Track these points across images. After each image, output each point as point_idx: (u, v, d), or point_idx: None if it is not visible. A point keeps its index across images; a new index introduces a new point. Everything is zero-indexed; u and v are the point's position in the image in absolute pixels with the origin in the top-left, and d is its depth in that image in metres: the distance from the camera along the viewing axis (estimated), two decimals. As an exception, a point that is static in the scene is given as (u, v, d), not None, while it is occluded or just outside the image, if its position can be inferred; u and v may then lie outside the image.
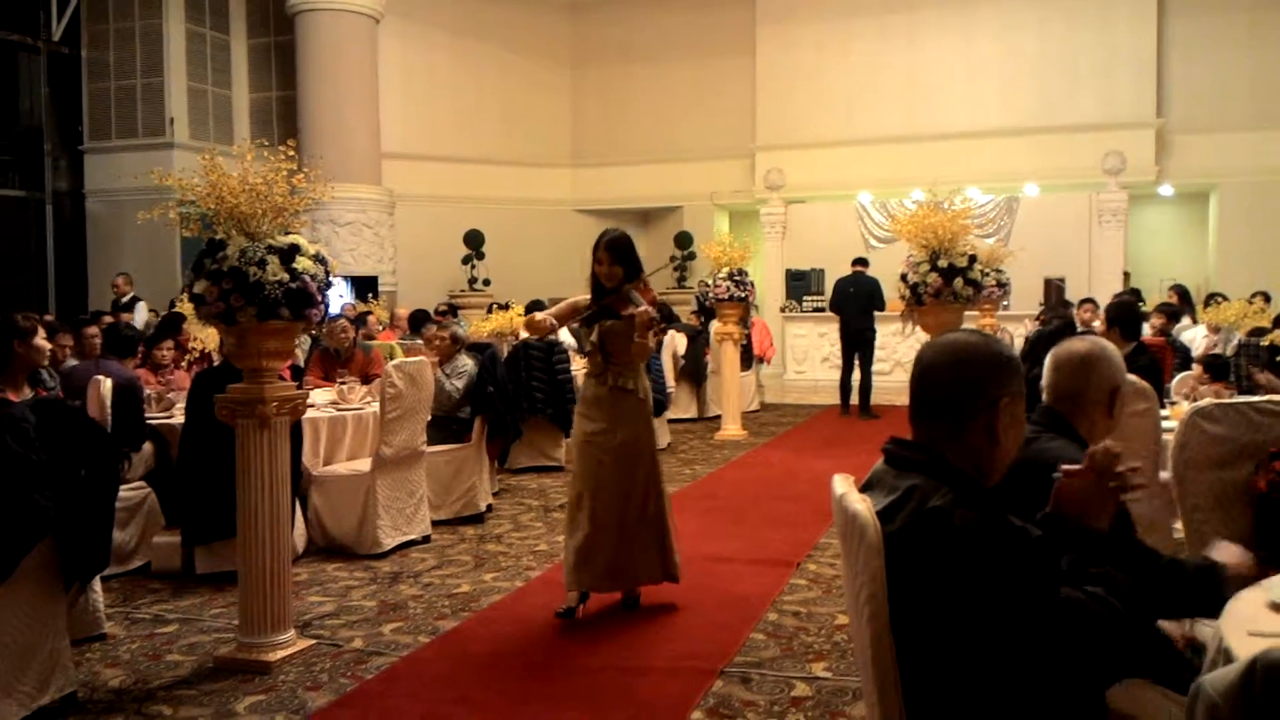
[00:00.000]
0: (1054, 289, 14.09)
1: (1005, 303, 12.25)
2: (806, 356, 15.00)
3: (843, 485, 1.76)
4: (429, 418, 6.01)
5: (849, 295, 11.01)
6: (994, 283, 10.99)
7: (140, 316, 11.28)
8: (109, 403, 4.79)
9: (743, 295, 9.39)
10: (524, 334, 7.70)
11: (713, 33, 16.36)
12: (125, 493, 5.11)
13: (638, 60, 16.91)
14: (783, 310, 15.14)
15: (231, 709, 3.56)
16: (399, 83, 15.46)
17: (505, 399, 6.60)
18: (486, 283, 15.43)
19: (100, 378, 4.91)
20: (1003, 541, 1.63)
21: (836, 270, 12.04)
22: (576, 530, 4.48)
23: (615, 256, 4.48)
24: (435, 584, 5.07)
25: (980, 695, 1.64)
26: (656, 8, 16.70)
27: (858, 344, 10.92)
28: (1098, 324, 8.28)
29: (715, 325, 10.07)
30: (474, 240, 15.58)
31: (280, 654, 3.96)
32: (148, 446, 5.44)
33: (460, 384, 6.55)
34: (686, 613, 4.56)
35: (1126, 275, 14.24)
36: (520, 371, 7.75)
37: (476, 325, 9.19)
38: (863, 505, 1.66)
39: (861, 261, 11.39)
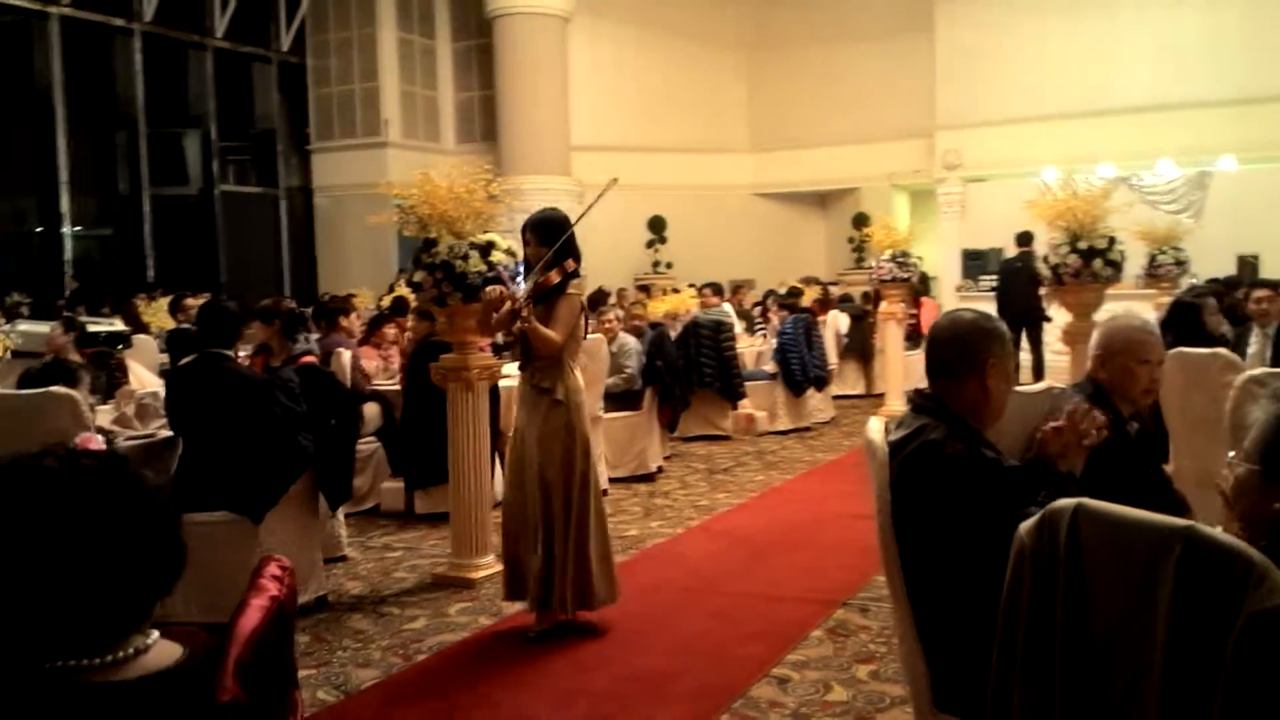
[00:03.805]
0: (1246, 267, 13.69)
1: (1193, 279, 11.98)
2: (983, 335, 15.05)
3: (874, 423, 2.41)
4: (604, 389, 6.87)
5: (1014, 273, 11.08)
6: (1171, 260, 10.97)
7: None
8: (348, 370, 5.87)
9: (905, 276, 9.80)
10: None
11: (888, 12, 16.32)
12: (359, 445, 6.17)
13: (814, 43, 17.13)
14: (958, 290, 15.28)
15: (444, 611, 4.50)
16: (587, 77, 16.27)
17: (673, 373, 7.40)
18: (669, 265, 16.25)
19: (341, 350, 6.00)
20: (979, 467, 2.25)
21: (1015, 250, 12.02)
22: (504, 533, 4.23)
23: (540, 237, 4.09)
24: (609, 528, 5.89)
25: (959, 578, 2.25)
26: (832, -11, 16.94)
27: (1023, 323, 10.91)
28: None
29: (882, 305, 10.50)
30: (657, 225, 16.45)
31: (482, 573, 4.87)
32: (375, 407, 6.51)
33: (632, 366, 7.31)
34: (825, 558, 5.23)
35: None
36: (690, 348, 8.51)
37: (652, 306, 10.05)
38: (877, 435, 2.31)
39: (1025, 239, 11.43)
